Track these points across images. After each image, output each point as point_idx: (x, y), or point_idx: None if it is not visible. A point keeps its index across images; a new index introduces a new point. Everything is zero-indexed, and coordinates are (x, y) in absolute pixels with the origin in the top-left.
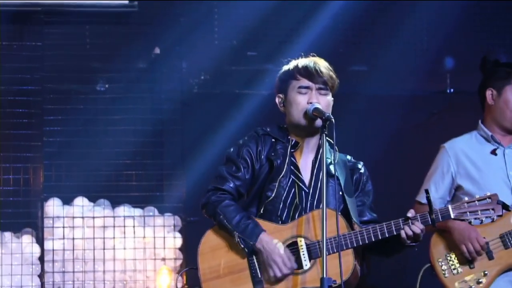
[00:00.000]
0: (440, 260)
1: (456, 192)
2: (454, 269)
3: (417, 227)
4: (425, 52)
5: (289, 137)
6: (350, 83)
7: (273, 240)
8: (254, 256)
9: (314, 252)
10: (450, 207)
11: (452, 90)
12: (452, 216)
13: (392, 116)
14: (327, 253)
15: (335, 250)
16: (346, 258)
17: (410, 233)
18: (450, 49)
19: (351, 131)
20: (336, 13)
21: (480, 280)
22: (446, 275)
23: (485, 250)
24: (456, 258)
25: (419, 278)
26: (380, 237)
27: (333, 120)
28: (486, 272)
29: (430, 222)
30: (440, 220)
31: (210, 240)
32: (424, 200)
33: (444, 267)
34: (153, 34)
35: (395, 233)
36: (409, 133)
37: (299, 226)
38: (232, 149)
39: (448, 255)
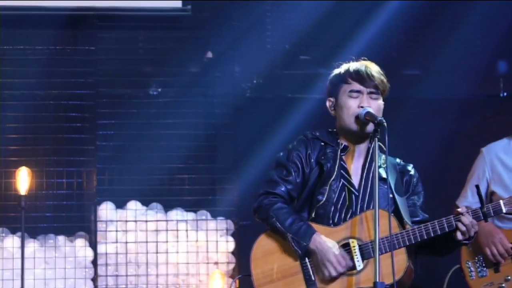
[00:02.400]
0: (469, 262)
1: (491, 197)
2: (480, 271)
3: (468, 220)
4: (478, 55)
5: (338, 140)
6: (402, 87)
7: (326, 240)
8: (307, 259)
9: (367, 253)
10: (501, 201)
11: (505, 94)
12: (504, 211)
13: (444, 120)
14: (379, 253)
15: (388, 250)
16: (399, 257)
17: (463, 228)
18: (504, 53)
19: (402, 135)
20: (389, 17)
21: (502, 285)
22: (472, 277)
23: (510, 254)
24: (483, 260)
25: (446, 279)
26: (432, 235)
27: (385, 124)
28: (508, 278)
29: (482, 217)
30: (492, 214)
31: (263, 245)
32: (461, 204)
33: (471, 269)
34: (206, 38)
35: (447, 230)
36: (461, 137)
37: (351, 227)
38: (282, 154)
39: (476, 257)
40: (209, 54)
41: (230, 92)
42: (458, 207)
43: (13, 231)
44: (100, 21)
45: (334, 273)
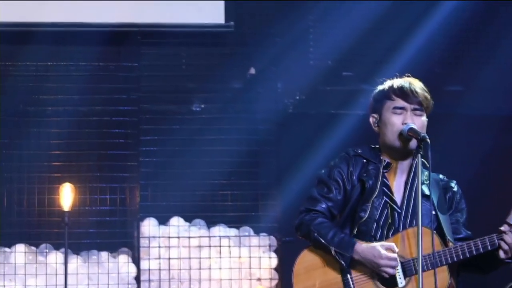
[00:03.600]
0: None
1: None
2: None
3: (511, 239)
4: None
5: (381, 157)
6: (445, 103)
7: (367, 245)
8: (348, 275)
9: (409, 270)
10: None
11: None
12: None
13: (487, 137)
14: (422, 270)
15: (430, 267)
16: (441, 275)
17: (505, 247)
18: None
19: (445, 151)
20: (432, 33)
21: None
22: None
23: None
24: None
25: None
26: (474, 253)
27: (428, 140)
28: None
29: None
30: None
31: (305, 261)
32: None
33: None
34: (249, 54)
35: (489, 248)
36: (504, 153)
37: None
38: (323, 171)
39: None
40: (252, 70)
41: (272, 108)
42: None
43: (57, 247)
44: (143, 38)
45: (391, 271)
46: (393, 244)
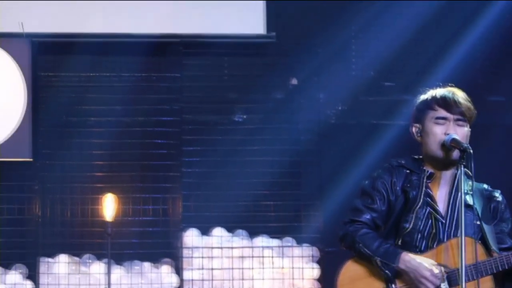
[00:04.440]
0: None
1: None
2: None
3: None
4: None
5: (424, 168)
6: (487, 113)
7: (415, 257)
8: (392, 285)
9: (453, 280)
10: None
11: None
12: None
13: None
14: (466, 281)
15: (474, 277)
16: (485, 285)
17: None
18: None
19: (488, 161)
20: (474, 43)
21: None
22: None
23: None
24: None
25: None
26: None
27: (471, 151)
28: None
29: None
30: None
31: (349, 271)
32: None
33: None
34: (291, 65)
35: None
36: None
37: (437, 254)
38: (366, 182)
39: None
40: (294, 81)
41: (314, 118)
42: None
43: (99, 258)
44: (185, 48)
45: (431, 287)
46: (441, 268)
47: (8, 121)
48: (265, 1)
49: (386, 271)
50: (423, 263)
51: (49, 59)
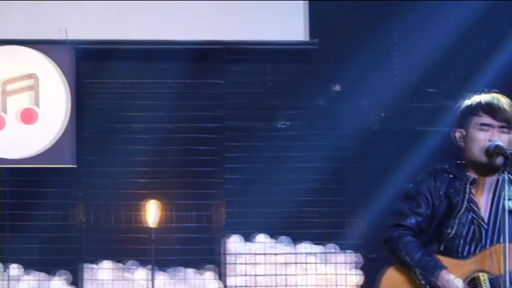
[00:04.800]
0: None
1: None
2: None
3: None
4: None
5: (467, 173)
6: None
7: (452, 278)
8: None
9: (496, 286)
10: None
11: None
12: None
13: None
14: (509, 286)
15: None
16: None
17: None
18: None
19: None
20: None
21: None
22: None
23: None
24: None
25: None
26: None
27: None
28: None
29: None
30: None
31: (391, 277)
32: None
33: None
34: (334, 71)
35: None
36: None
37: (480, 260)
38: (410, 186)
39: None
40: (337, 87)
41: (358, 125)
42: None
43: (143, 264)
44: (229, 55)
45: None
46: None
47: (52, 127)
48: (308, 8)
49: (424, 283)
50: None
51: (93, 65)
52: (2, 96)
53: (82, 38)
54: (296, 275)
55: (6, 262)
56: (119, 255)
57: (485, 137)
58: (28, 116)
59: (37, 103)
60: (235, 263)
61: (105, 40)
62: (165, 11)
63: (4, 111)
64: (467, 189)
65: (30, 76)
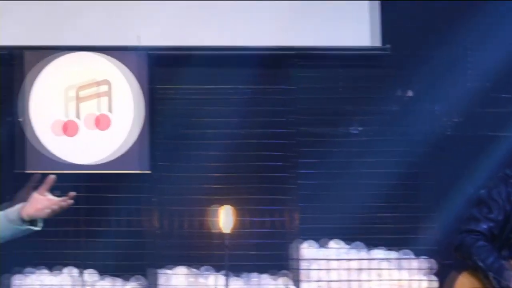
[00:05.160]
0: None
1: None
2: None
3: None
4: None
5: None
6: None
7: None
8: None
9: None
10: None
11: None
12: None
13: None
14: None
15: None
16: None
17: None
18: None
19: None
20: None
21: None
22: None
23: None
24: None
25: None
26: None
27: None
28: None
29: None
30: None
31: (464, 283)
32: None
33: None
34: (406, 77)
35: None
36: None
37: None
38: (483, 191)
39: None
40: (409, 93)
41: (430, 130)
42: None
43: (217, 269)
44: (300, 61)
45: None
46: None
47: (126, 133)
48: (380, 13)
49: (498, 287)
50: None
51: (166, 71)
52: (76, 102)
53: (155, 44)
54: (369, 281)
55: (81, 267)
56: (193, 261)
57: None
58: (102, 122)
59: (110, 109)
60: (308, 269)
61: (178, 46)
62: (238, 17)
63: (78, 117)
64: None
65: (103, 82)
